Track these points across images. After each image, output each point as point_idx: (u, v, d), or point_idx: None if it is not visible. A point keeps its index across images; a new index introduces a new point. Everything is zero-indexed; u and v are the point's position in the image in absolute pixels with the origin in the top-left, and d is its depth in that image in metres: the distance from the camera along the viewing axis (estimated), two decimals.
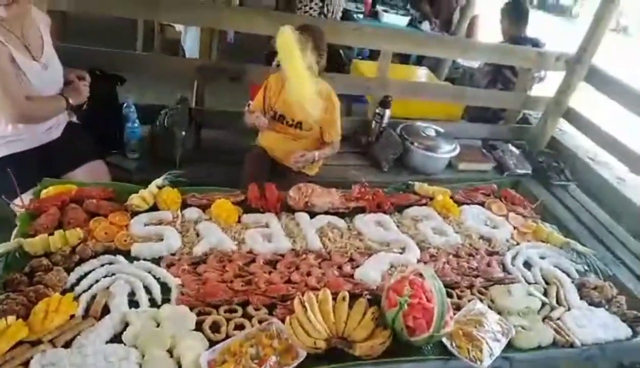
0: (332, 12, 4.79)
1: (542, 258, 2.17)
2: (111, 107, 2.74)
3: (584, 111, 3.66)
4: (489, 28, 5.23)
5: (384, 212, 2.25)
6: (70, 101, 2.23)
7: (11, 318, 1.37)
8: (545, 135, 3.76)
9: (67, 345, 1.38)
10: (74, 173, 2.33)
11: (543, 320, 1.80)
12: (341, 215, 2.20)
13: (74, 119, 2.51)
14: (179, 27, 4.62)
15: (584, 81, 3.53)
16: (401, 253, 2.03)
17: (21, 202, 1.85)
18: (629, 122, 3.52)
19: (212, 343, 1.46)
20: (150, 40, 4.82)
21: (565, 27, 11.03)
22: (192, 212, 2.02)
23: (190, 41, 4.45)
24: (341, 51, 4.59)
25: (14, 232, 1.76)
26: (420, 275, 1.65)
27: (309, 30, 2.44)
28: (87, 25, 4.10)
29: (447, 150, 3.26)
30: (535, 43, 3.89)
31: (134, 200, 1.96)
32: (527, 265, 2.12)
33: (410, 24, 5.64)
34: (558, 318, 1.82)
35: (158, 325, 1.47)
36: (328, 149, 2.72)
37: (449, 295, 1.80)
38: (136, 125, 2.71)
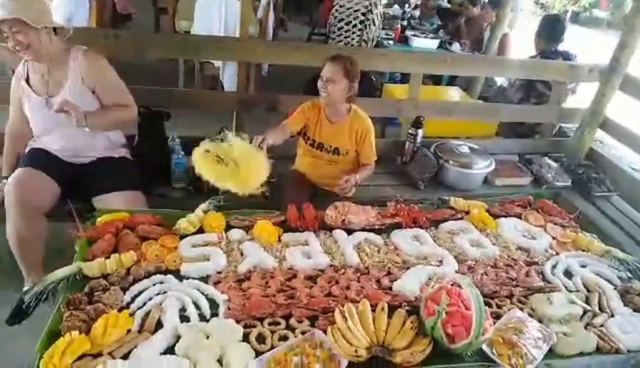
0: (372, 39, 4.93)
1: (583, 266, 2.14)
2: (159, 141, 2.92)
3: (622, 121, 3.61)
4: (519, 45, 5.25)
5: (420, 227, 2.29)
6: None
7: (75, 333, 1.48)
8: (583, 146, 3.71)
9: (125, 357, 1.47)
10: (109, 196, 2.45)
11: (585, 327, 1.78)
12: (378, 232, 2.25)
13: (128, 155, 2.70)
14: (217, 63, 4.84)
15: (619, 90, 3.50)
16: (439, 266, 2.06)
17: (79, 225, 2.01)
18: None
19: (258, 353, 1.53)
20: (191, 78, 5.08)
21: (602, 39, 10.84)
22: (236, 233, 2.12)
23: (228, 76, 4.66)
24: (373, 77, 4.71)
25: (74, 257, 1.90)
26: (458, 284, 1.68)
27: (341, 59, 2.56)
28: (134, 67, 4.37)
29: (483, 166, 3.27)
30: (565, 56, 3.87)
31: (182, 224, 2.08)
32: (568, 274, 2.09)
33: (440, 46, 5.72)
34: (601, 325, 1.80)
35: (207, 337, 1.56)
36: (366, 170, 2.78)
37: (488, 305, 1.82)
38: (181, 156, 2.87)
